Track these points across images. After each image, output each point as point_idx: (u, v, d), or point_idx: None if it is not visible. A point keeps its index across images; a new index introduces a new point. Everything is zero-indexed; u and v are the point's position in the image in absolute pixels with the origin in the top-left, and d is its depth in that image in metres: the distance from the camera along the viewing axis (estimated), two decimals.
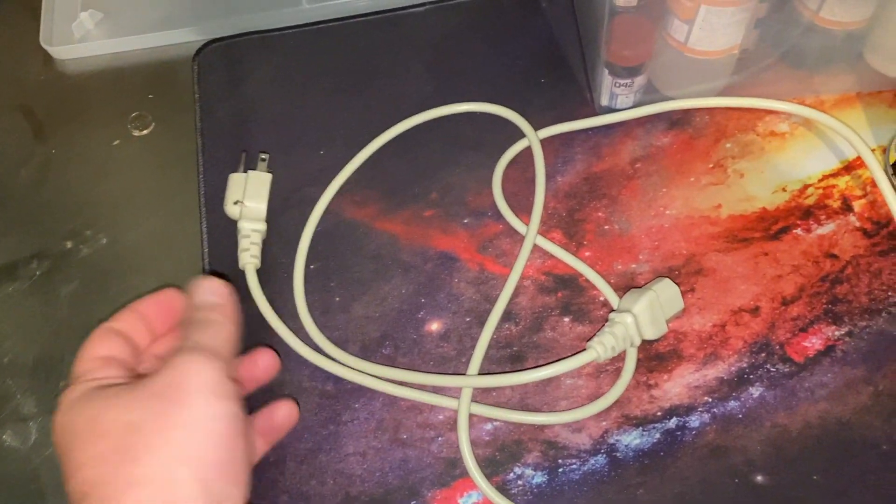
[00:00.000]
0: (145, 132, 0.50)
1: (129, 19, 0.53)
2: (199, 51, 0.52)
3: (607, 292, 0.42)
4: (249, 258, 0.43)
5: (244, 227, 0.44)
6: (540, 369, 0.40)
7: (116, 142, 0.50)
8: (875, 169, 0.44)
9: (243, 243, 0.43)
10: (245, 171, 0.45)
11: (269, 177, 0.45)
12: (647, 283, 0.41)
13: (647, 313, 0.39)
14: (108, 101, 0.51)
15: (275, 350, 0.40)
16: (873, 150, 0.46)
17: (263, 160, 0.46)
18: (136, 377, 0.34)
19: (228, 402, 0.32)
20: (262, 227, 0.44)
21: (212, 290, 0.37)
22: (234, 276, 0.42)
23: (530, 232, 0.44)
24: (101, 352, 0.35)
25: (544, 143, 0.47)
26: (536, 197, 0.45)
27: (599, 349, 0.39)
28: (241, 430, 0.32)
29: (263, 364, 0.39)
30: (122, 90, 0.51)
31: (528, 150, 0.47)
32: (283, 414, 0.39)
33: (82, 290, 0.45)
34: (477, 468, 0.38)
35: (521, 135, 0.47)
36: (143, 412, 0.31)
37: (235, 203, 0.44)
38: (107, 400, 0.32)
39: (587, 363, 0.39)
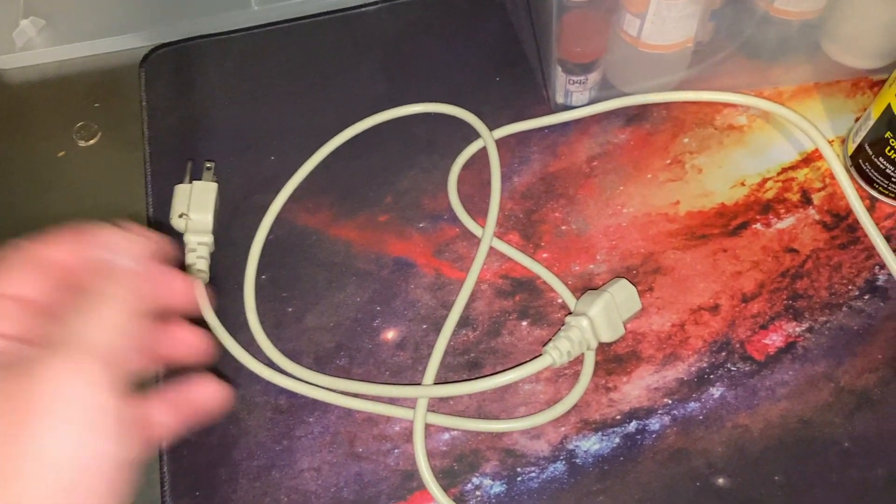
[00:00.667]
0: (91, 142, 0.48)
1: (72, 26, 0.51)
2: (145, 57, 0.51)
3: (564, 294, 0.41)
4: (196, 272, 0.42)
5: (190, 240, 0.43)
6: (496, 377, 0.39)
7: (61, 153, 0.48)
8: (833, 161, 0.43)
9: (189, 258, 0.42)
10: (190, 182, 0.44)
11: (214, 186, 0.44)
12: (603, 284, 0.40)
13: (603, 316, 0.38)
14: (52, 111, 0.50)
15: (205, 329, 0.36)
16: (831, 142, 0.45)
17: (209, 169, 0.45)
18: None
19: (103, 440, 0.23)
20: (209, 239, 0.43)
21: (126, 247, 0.26)
22: None
23: (486, 236, 0.43)
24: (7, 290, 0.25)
25: (500, 143, 0.46)
26: (492, 199, 0.44)
27: (555, 354, 0.38)
28: (112, 475, 0.23)
29: (186, 341, 0.29)
30: (67, 99, 0.50)
31: (483, 151, 0.46)
32: (202, 395, 0.28)
33: None
34: (434, 480, 0.37)
35: (476, 135, 0.46)
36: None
37: (181, 216, 0.43)
38: None
39: (543, 368, 0.38)
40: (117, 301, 0.25)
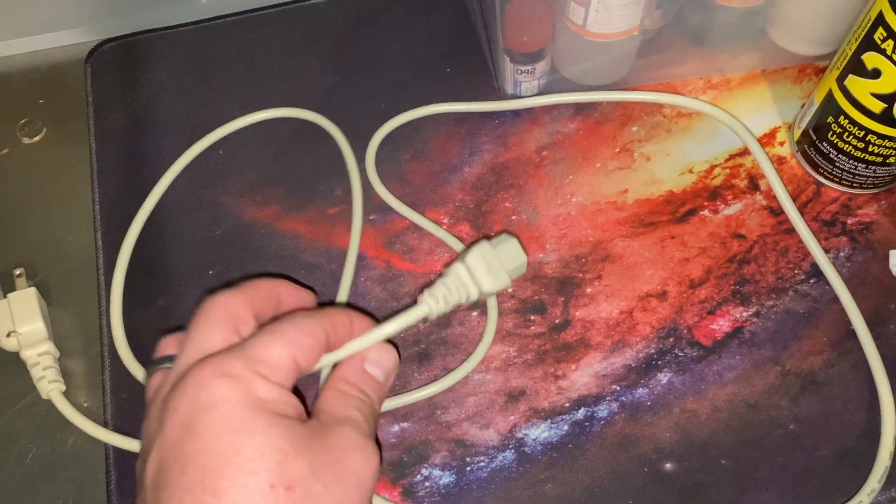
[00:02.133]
0: (36, 139, 0.48)
1: (15, 21, 0.50)
2: (91, 52, 0.50)
3: (452, 243, 0.42)
4: (49, 385, 0.39)
5: (29, 355, 0.39)
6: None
7: (5, 150, 0.47)
8: (761, 157, 0.44)
9: (35, 372, 0.39)
10: (4, 296, 0.41)
11: (32, 291, 0.41)
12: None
13: (480, 263, 0.35)
14: None
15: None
16: (779, 127, 0.46)
17: (20, 275, 0.42)
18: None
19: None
20: (49, 346, 0.40)
21: (382, 363, 0.32)
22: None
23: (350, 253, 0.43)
24: (303, 361, 0.29)
25: (451, 132, 0.46)
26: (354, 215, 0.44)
27: (431, 302, 0.34)
28: None
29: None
30: (10, 96, 0.49)
31: (437, 139, 0.46)
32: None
33: None
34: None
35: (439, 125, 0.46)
36: (324, 476, 0.27)
37: (9, 335, 0.39)
38: (298, 428, 0.27)
39: (422, 318, 0.34)
40: (377, 411, 0.32)
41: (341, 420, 0.29)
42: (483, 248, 0.36)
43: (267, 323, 0.30)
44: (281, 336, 0.29)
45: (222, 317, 0.30)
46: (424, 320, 0.35)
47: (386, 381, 0.32)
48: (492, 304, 0.41)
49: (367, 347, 0.32)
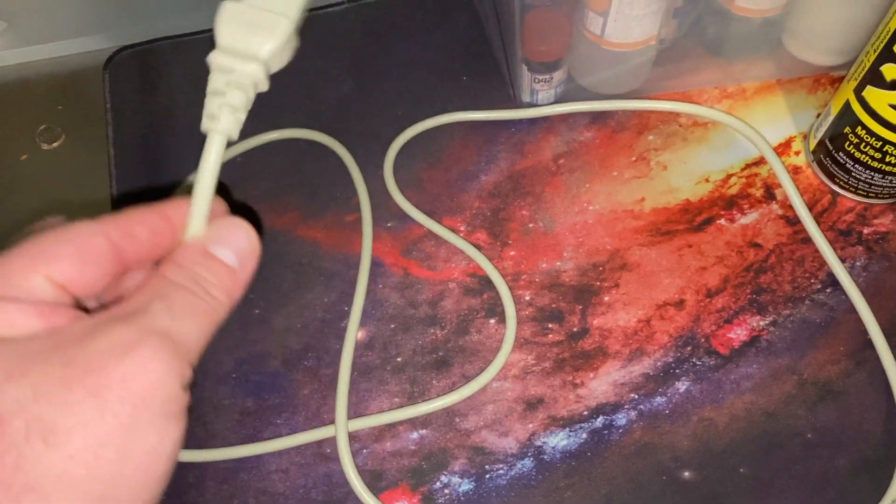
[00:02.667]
0: (55, 145, 0.48)
1: (35, 28, 0.51)
2: (109, 59, 0.50)
3: (469, 251, 0.42)
4: None
5: None
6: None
7: (24, 156, 0.48)
8: (777, 167, 0.44)
9: None
10: None
11: None
12: None
13: (236, 33, 0.27)
14: (14, 114, 0.49)
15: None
16: (794, 137, 0.46)
17: None
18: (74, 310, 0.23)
19: (176, 427, 0.22)
20: None
21: (236, 245, 0.25)
22: None
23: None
24: (73, 274, 0.23)
25: (467, 141, 0.46)
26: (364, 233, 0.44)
27: (210, 123, 0.28)
28: (173, 458, 0.23)
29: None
30: (30, 102, 0.49)
31: (453, 146, 0.46)
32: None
33: None
34: (364, 488, 0.37)
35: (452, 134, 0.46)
36: (60, 394, 0.20)
37: None
38: (24, 343, 0.21)
39: (224, 145, 0.28)
40: (212, 302, 0.24)
41: (126, 315, 0.22)
42: (227, 9, 0.26)
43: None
44: (29, 250, 0.23)
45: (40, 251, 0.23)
46: (229, 144, 0.27)
47: (241, 269, 0.25)
48: (510, 314, 0.41)
49: (216, 224, 0.25)
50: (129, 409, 0.21)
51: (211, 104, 0.26)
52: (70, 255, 0.23)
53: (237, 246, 0.26)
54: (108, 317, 0.22)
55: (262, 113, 0.47)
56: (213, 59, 0.26)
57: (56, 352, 0.21)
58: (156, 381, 0.21)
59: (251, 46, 0.26)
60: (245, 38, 0.26)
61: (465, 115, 0.47)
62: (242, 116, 0.26)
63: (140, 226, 0.25)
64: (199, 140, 0.46)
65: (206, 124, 0.26)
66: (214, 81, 0.26)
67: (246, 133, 0.46)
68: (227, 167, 0.46)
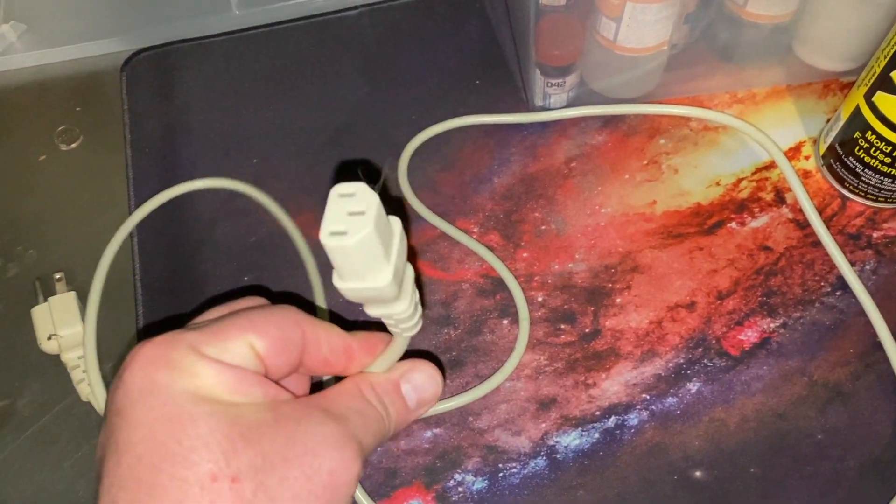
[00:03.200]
0: (73, 146, 0.49)
1: (53, 30, 0.52)
2: (127, 61, 0.51)
3: (482, 252, 0.42)
4: (89, 388, 0.40)
5: (69, 358, 0.40)
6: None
7: (43, 156, 0.48)
8: (788, 171, 0.44)
9: (76, 375, 0.40)
10: (45, 300, 0.42)
11: (72, 295, 0.42)
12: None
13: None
14: (33, 116, 0.50)
15: None
16: (804, 142, 0.46)
17: (60, 280, 0.43)
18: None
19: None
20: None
21: (422, 394, 0.29)
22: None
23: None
24: (270, 353, 0.26)
25: (480, 144, 0.47)
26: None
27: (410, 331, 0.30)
28: None
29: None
30: (48, 104, 0.50)
31: (468, 147, 0.46)
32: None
33: (10, 311, 0.44)
34: (362, 492, 0.38)
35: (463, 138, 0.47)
36: (282, 469, 0.23)
37: (50, 338, 0.40)
38: (257, 413, 0.24)
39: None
40: (387, 430, 0.28)
41: (333, 413, 0.26)
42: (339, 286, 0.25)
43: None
44: (242, 320, 0.26)
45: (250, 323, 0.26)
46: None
47: (415, 410, 0.30)
48: (523, 315, 0.41)
49: (414, 367, 0.29)
50: (329, 496, 0.24)
51: (401, 326, 0.28)
52: (273, 336, 0.26)
53: (423, 395, 0.30)
54: (315, 408, 0.25)
55: (276, 112, 0.48)
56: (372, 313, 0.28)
57: (279, 428, 0.24)
58: (351, 479, 0.25)
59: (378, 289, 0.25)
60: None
61: (478, 119, 0.47)
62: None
63: (327, 339, 0.28)
64: (213, 141, 0.47)
65: (395, 331, 0.29)
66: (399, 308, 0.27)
67: (263, 126, 0.47)
68: (243, 167, 0.47)
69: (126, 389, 0.24)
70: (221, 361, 0.24)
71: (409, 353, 0.31)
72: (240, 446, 0.23)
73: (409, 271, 0.27)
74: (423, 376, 0.30)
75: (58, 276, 0.43)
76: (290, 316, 0.27)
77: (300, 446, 0.24)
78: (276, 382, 0.26)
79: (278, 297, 0.43)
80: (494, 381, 0.40)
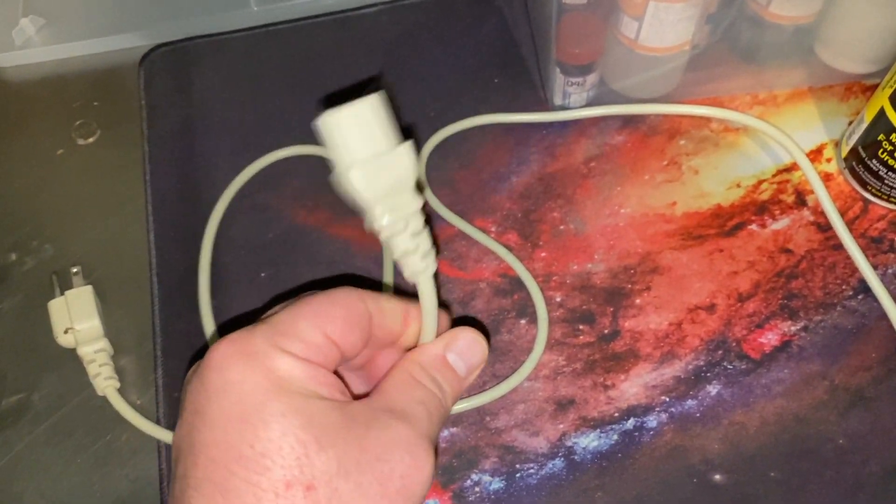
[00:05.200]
0: (90, 140, 0.49)
1: (72, 25, 0.52)
2: (145, 56, 0.51)
3: (499, 251, 0.43)
4: (105, 382, 0.40)
5: (86, 352, 0.40)
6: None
7: (60, 151, 0.48)
8: (810, 173, 0.44)
9: (91, 369, 0.40)
10: (62, 293, 0.41)
11: (89, 289, 0.42)
12: None
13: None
14: (51, 110, 0.50)
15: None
16: (826, 144, 0.46)
17: (76, 273, 0.43)
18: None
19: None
20: (104, 343, 0.41)
21: (470, 360, 0.30)
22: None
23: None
24: (338, 335, 0.26)
25: (498, 142, 0.46)
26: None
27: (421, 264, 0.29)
28: None
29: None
30: (66, 98, 0.50)
31: (486, 147, 0.46)
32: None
33: (26, 304, 0.44)
34: None
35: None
36: (355, 475, 0.24)
37: (66, 332, 0.40)
38: (329, 414, 0.24)
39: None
40: (447, 409, 0.28)
41: (398, 411, 0.26)
42: (355, 176, 0.26)
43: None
44: (308, 307, 0.26)
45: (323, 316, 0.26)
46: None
47: (467, 377, 0.30)
48: (542, 315, 0.41)
49: (456, 335, 0.29)
50: (403, 500, 0.24)
51: (412, 264, 0.28)
52: (342, 317, 0.26)
53: (471, 361, 0.30)
54: (381, 411, 0.26)
55: (295, 108, 0.48)
56: (384, 226, 0.27)
57: (351, 431, 0.24)
58: (424, 480, 0.25)
59: (398, 185, 0.27)
60: (386, 183, 0.26)
61: (498, 118, 0.47)
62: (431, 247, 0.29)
63: (389, 308, 0.28)
64: (231, 136, 0.47)
65: (412, 277, 0.28)
66: (399, 245, 0.28)
67: (280, 123, 0.47)
68: (258, 165, 0.47)
69: (203, 388, 0.24)
70: (295, 354, 0.24)
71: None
72: (313, 451, 0.23)
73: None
74: (467, 341, 0.29)
75: (74, 269, 0.43)
76: (352, 294, 0.27)
77: (372, 452, 0.24)
78: (344, 382, 0.26)
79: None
80: (513, 381, 0.40)
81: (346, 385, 0.27)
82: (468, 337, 0.30)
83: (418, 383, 0.27)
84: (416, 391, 0.27)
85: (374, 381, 0.29)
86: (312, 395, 0.24)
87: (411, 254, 0.28)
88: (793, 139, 0.45)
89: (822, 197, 0.43)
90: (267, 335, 0.24)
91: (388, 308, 0.28)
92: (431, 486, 0.26)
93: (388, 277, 0.43)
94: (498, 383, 0.40)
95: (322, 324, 0.25)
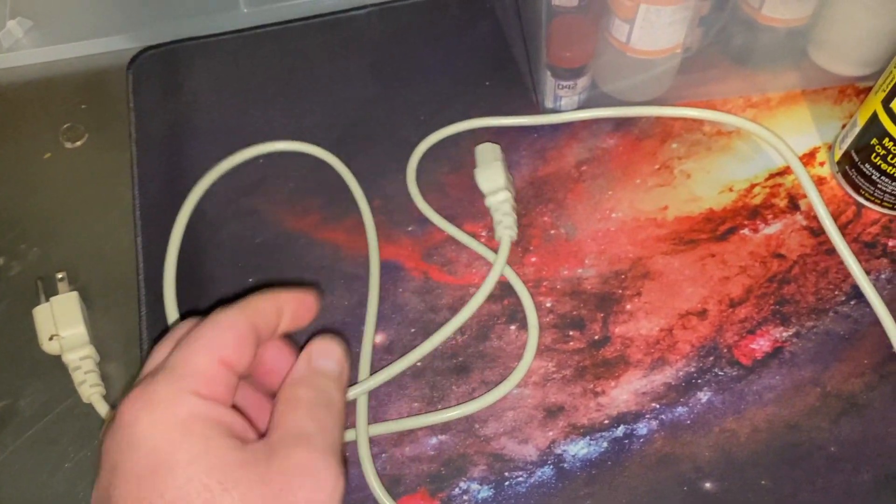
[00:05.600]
0: (78, 144, 0.48)
1: (60, 27, 0.51)
2: (133, 58, 0.51)
3: (489, 256, 0.43)
4: (90, 389, 0.39)
5: (71, 359, 0.40)
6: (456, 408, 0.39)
7: (48, 154, 0.48)
8: (803, 177, 0.43)
9: (77, 376, 0.40)
10: (47, 300, 0.41)
11: (74, 296, 0.41)
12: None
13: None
14: (38, 113, 0.49)
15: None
16: (819, 148, 0.45)
17: (62, 280, 0.42)
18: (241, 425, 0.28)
19: None
20: (90, 350, 0.40)
21: (329, 353, 0.31)
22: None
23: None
24: (233, 357, 0.28)
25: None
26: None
27: (511, 232, 0.42)
28: None
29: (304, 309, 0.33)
30: (54, 101, 0.50)
31: (473, 158, 0.46)
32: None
33: (12, 310, 0.43)
34: (384, 492, 0.37)
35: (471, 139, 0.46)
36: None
37: (51, 338, 0.40)
38: (231, 455, 0.25)
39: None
40: (337, 407, 0.30)
41: (292, 437, 0.27)
42: (502, 166, 0.44)
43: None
44: (200, 340, 0.27)
45: (213, 340, 0.28)
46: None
47: (341, 372, 0.31)
48: (532, 322, 0.41)
49: (308, 346, 0.31)
50: None
51: (508, 219, 0.43)
52: (233, 339, 0.28)
53: (333, 354, 0.31)
54: (277, 443, 0.26)
55: (284, 111, 0.48)
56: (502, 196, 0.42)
57: (252, 469, 0.25)
58: (330, 495, 0.26)
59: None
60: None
61: (487, 122, 0.47)
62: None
63: (265, 308, 0.30)
64: (220, 140, 0.47)
65: (501, 231, 0.42)
66: (506, 206, 0.42)
67: (270, 126, 0.47)
68: (249, 167, 0.46)
69: (116, 444, 0.25)
70: (198, 392, 0.26)
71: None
72: (218, 493, 0.24)
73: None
74: (319, 343, 0.31)
75: (60, 275, 0.42)
76: (233, 312, 0.29)
77: (274, 484, 0.25)
78: (244, 416, 0.28)
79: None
80: (502, 389, 0.39)
81: (246, 414, 0.28)
82: (318, 339, 0.31)
83: (299, 400, 0.29)
84: (300, 408, 0.28)
85: (263, 377, 0.31)
86: (216, 436, 0.25)
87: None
88: (786, 142, 0.44)
89: (815, 201, 0.43)
90: (169, 381, 0.26)
91: (264, 308, 0.30)
92: (342, 496, 0.27)
93: (372, 309, 0.42)
94: (488, 391, 0.39)
95: (216, 352, 0.27)
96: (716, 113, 0.46)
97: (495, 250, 0.43)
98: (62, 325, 0.40)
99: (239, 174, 0.46)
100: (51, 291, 0.42)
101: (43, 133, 0.48)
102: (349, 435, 0.39)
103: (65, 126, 0.49)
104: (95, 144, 0.48)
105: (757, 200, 0.44)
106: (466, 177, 0.45)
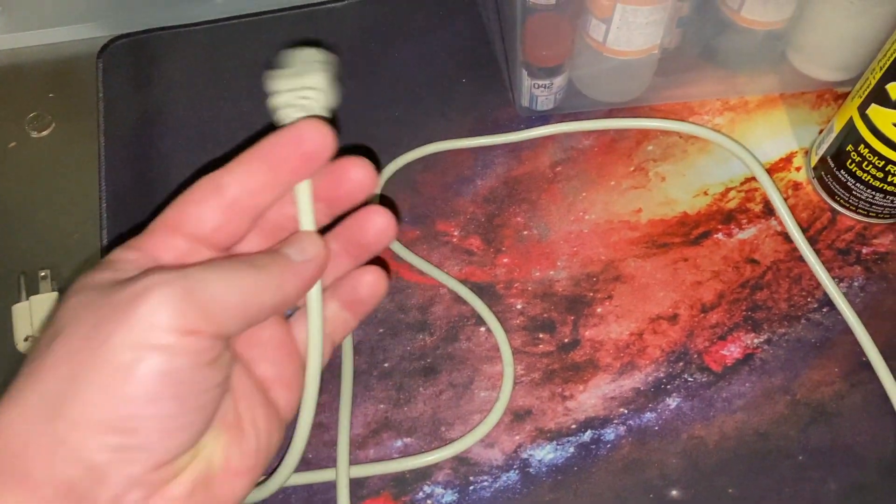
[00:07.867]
0: (44, 133, 0.47)
1: (28, 13, 0.50)
2: (104, 47, 0.50)
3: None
4: None
5: None
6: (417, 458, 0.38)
7: (12, 143, 0.47)
8: (769, 188, 0.43)
9: None
10: (27, 298, 0.40)
11: (55, 296, 0.40)
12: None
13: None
14: (4, 100, 0.48)
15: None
16: (796, 152, 0.45)
17: (45, 278, 0.41)
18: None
19: (170, 357, 0.22)
20: None
21: (304, 250, 0.26)
22: None
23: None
24: (188, 224, 0.26)
25: (466, 149, 0.45)
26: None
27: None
28: (183, 391, 0.23)
29: (356, 177, 0.29)
30: (20, 89, 0.49)
31: (451, 152, 0.45)
32: (367, 284, 0.30)
33: None
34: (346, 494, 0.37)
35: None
36: (84, 344, 0.22)
37: (26, 339, 0.39)
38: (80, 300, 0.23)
39: None
40: (260, 277, 0.25)
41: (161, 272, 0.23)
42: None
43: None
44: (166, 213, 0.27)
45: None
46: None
47: (306, 264, 0.26)
48: (507, 360, 0.39)
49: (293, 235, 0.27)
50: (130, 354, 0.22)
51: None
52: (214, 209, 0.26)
53: (303, 246, 0.26)
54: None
55: (257, 104, 0.47)
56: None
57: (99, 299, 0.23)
58: (153, 325, 0.22)
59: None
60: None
61: (451, 144, 0.45)
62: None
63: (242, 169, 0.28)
64: (190, 133, 0.46)
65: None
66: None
67: (242, 118, 0.46)
68: (219, 161, 0.45)
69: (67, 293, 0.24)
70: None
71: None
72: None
73: None
74: (300, 236, 0.27)
75: (42, 273, 0.41)
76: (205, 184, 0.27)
77: (111, 308, 0.23)
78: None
79: None
80: (482, 429, 0.38)
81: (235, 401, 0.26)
82: (301, 232, 0.27)
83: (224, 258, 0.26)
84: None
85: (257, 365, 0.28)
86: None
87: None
88: (751, 152, 0.44)
89: (783, 212, 0.42)
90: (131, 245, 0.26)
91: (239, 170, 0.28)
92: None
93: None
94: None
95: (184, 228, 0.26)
96: (679, 123, 0.45)
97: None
98: (39, 325, 0.39)
99: (209, 167, 0.45)
100: (32, 290, 0.41)
101: (9, 122, 0.47)
102: (325, 475, 0.37)
103: (31, 115, 0.47)
104: (62, 134, 0.47)
105: (732, 204, 0.44)
106: (440, 175, 0.45)
